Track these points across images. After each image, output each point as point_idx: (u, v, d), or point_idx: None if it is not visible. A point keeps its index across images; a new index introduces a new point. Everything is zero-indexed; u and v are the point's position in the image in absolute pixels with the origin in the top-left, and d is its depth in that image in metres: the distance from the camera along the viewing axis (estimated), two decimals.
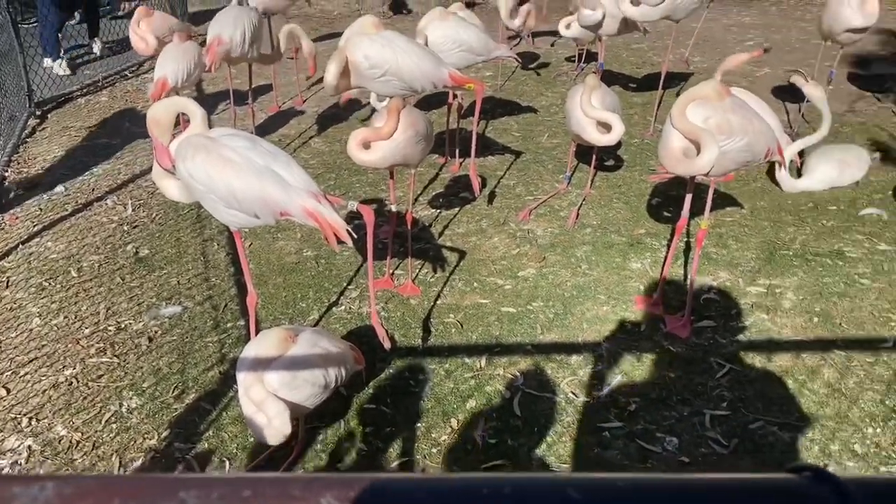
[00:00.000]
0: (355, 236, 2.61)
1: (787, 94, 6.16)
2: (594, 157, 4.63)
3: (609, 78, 6.61)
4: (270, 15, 6.08)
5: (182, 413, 2.95)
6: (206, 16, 6.90)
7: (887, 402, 2.93)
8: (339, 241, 2.56)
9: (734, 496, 0.54)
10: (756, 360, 3.19)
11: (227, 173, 2.53)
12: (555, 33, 6.72)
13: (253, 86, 5.64)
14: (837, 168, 4.43)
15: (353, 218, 4.08)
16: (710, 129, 2.93)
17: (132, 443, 2.81)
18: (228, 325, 3.50)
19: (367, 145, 3.23)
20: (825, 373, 3.10)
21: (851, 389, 3.00)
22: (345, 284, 3.81)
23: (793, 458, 2.70)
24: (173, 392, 3.06)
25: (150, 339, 3.40)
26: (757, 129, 3.09)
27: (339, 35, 5.38)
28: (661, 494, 0.53)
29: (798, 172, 4.58)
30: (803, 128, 5.56)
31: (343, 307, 3.64)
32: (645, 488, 0.53)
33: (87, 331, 3.46)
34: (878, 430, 2.81)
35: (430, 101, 6.17)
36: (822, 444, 2.75)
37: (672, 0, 4.94)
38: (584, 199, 4.61)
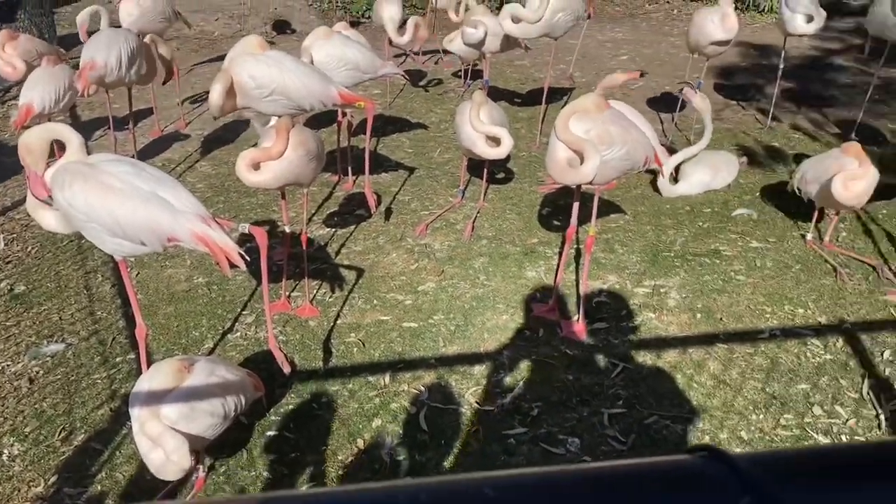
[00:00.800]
0: (248, 259, 2.56)
1: (661, 105, 6.52)
2: (486, 170, 4.73)
3: (495, 94, 6.78)
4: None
5: (70, 456, 2.78)
6: (76, 38, 6.58)
7: (767, 390, 3.13)
8: (232, 266, 2.51)
9: (635, 480, 0.57)
10: (647, 357, 3.34)
11: (110, 200, 2.42)
12: (441, 51, 6.82)
13: (133, 110, 5.42)
14: (710, 173, 4.73)
15: (245, 241, 3.99)
16: (592, 139, 3.07)
17: (16, 493, 2.63)
18: (118, 359, 3.33)
19: (256, 166, 3.17)
20: (710, 366, 3.28)
21: (735, 380, 3.20)
22: (239, 310, 3.71)
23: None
24: (59, 435, 2.89)
25: (31, 381, 3.19)
26: (635, 138, 3.26)
27: (222, 57, 5.26)
28: (566, 483, 0.56)
29: (675, 178, 4.85)
30: (676, 136, 5.89)
31: (239, 334, 3.54)
32: (552, 479, 0.55)
33: None
34: (761, 416, 3.00)
35: (321, 120, 6.12)
36: (711, 433, 2.91)
37: (549, 18, 5.13)
38: (478, 212, 4.70)
